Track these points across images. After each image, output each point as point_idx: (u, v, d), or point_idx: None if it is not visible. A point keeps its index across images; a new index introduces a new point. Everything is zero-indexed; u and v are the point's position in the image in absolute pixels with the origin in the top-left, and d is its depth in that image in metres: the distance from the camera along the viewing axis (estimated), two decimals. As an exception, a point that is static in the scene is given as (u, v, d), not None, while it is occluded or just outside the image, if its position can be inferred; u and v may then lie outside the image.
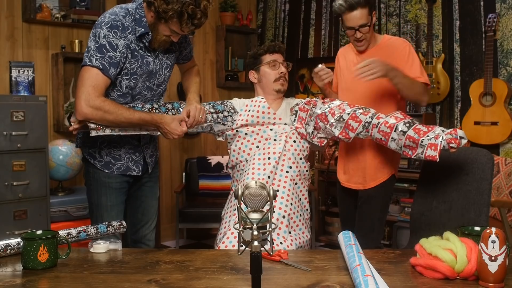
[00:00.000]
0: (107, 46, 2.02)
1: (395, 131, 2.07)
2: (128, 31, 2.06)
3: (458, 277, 1.38)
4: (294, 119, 2.36)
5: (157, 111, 2.20)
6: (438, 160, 1.97)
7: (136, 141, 2.27)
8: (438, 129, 2.00)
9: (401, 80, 2.28)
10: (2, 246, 1.59)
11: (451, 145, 1.94)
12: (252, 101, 2.40)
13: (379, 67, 2.20)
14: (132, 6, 2.11)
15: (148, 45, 2.12)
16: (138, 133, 2.20)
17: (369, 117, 2.16)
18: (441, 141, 1.95)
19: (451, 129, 1.98)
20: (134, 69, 2.11)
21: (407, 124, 2.05)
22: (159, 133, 2.24)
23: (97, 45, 2.02)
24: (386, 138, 2.10)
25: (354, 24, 2.38)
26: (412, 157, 2.05)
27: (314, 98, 2.37)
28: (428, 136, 1.98)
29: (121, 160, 2.25)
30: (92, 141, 2.22)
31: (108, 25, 2.03)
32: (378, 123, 2.12)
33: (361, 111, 2.20)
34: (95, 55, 2.02)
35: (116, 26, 2.04)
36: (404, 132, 2.03)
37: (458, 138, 1.94)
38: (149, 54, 2.15)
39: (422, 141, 1.99)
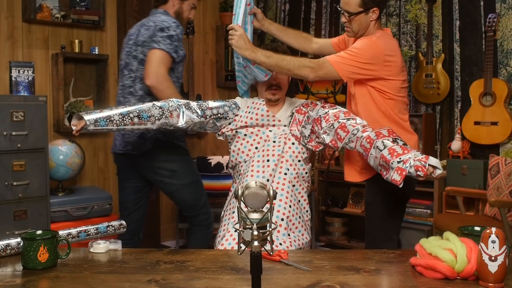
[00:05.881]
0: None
1: (373, 148, 2.00)
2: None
3: (458, 277, 1.38)
4: (289, 121, 2.34)
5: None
6: (400, 186, 1.85)
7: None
8: (411, 154, 1.88)
9: (262, 60, 2.17)
10: (2, 246, 1.59)
11: (418, 172, 1.82)
12: (253, 102, 2.39)
13: (235, 40, 2.17)
14: (167, 16, 2.71)
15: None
16: (133, 128, 2.16)
17: (356, 129, 2.10)
18: (407, 167, 1.84)
19: (424, 156, 1.86)
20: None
21: (384, 143, 1.97)
22: (152, 128, 2.21)
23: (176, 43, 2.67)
24: (366, 153, 2.04)
25: (341, 4, 2.29)
26: (384, 178, 1.95)
27: (316, 102, 2.35)
28: (399, 158, 1.88)
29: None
30: None
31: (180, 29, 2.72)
32: (362, 136, 2.06)
33: (352, 121, 2.14)
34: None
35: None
36: (380, 150, 1.96)
37: (426, 166, 1.82)
38: None
39: (392, 163, 1.90)
